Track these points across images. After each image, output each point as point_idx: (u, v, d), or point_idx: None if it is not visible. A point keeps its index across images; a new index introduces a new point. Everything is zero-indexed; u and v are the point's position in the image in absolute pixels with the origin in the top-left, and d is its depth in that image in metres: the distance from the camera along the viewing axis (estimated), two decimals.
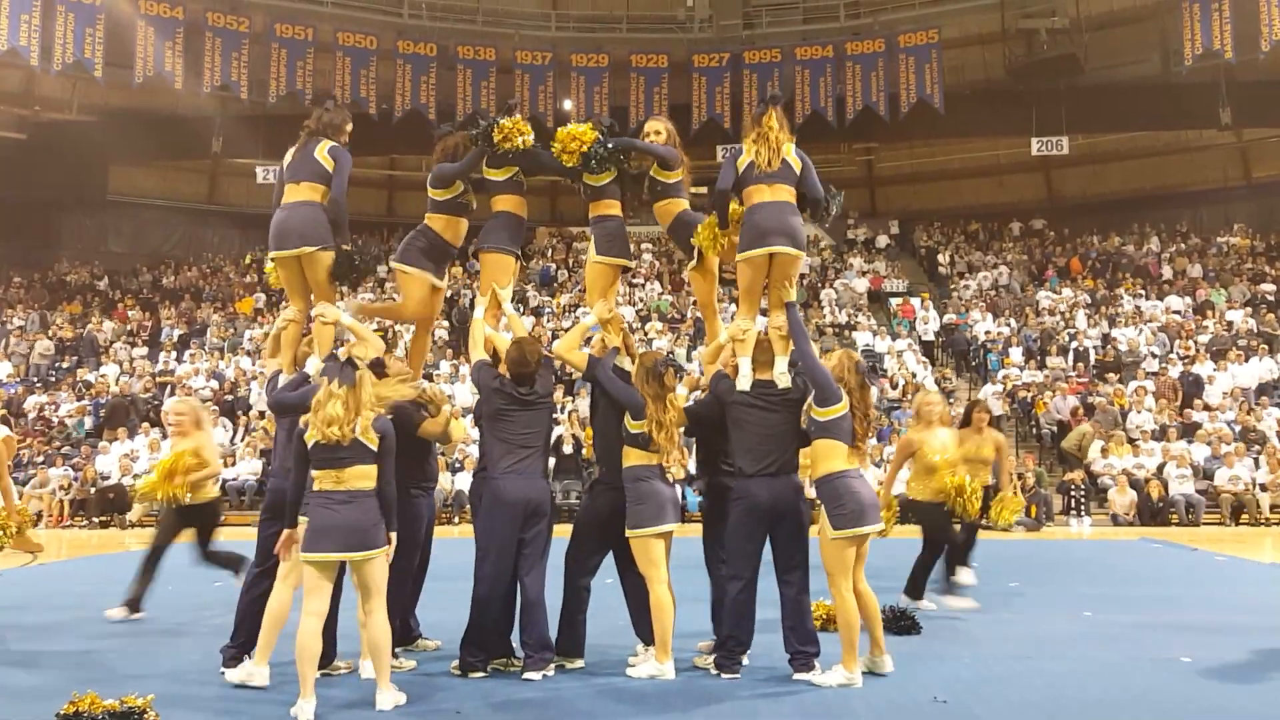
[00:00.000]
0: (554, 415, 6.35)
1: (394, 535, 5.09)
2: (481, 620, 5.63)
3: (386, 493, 5.00)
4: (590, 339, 6.38)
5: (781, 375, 5.60)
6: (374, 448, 4.93)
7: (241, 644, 5.56)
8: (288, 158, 5.86)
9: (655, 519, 5.55)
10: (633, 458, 5.65)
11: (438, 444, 6.25)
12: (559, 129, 6.21)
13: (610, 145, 6.07)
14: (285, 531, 5.09)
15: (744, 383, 5.60)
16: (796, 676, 5.38)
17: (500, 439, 5.72)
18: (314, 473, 4.93)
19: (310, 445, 4.91)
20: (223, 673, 5.45)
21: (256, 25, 24.39)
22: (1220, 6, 22.37)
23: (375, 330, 7.07)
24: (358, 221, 6.16)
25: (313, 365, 5.61)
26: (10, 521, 6.84)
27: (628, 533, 5.61)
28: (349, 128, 5.98)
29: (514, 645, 5.74)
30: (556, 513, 6.04)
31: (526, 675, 5.50)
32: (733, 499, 5.62)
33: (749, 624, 5.54)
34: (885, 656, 5.53)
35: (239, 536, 7.27)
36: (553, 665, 5.66)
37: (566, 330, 8.47)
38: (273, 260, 5.94)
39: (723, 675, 5.47)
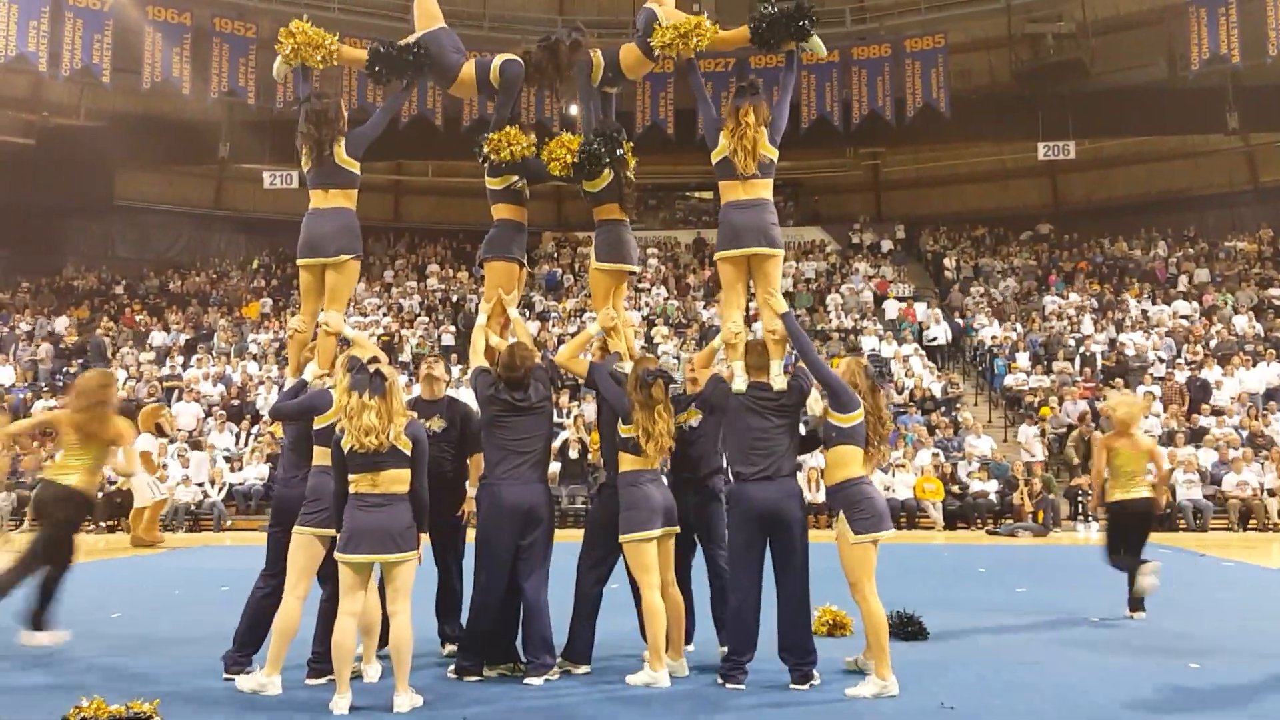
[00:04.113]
0: (552, 421, 6.31)
1: (425, 537, 5.19)
2: (477, 625, 5.64)
3: (420, 496, 5.12)
4: (591, 345, 6.39)
5: (777, 378, 5.54)
6: (407, 453, 5.05)
7: (242, 648, 5.57)
8: (306, 165, 5.89)
9: (644, 524, 5.52)
10: (626, 463, 5.65)
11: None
12: (549, 139, 6.20)
13: (596, 148, 5.99)
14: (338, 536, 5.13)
15: (739, 383, 5.55)
16: (793, 687, 5.34)
17: (497, 445, 5.72)
18: (350, 476, 5.03)
19: (346, 451, 5.00)
20: (228, 679, 5.45)
21: (263, 31, 24.42)
22: (1227, 11, 22.30)
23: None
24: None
25: (310, 371, 5.68)
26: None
27: (620, 537, 5.60)
28: (344, 120, 5.99)
29: (519, 651, 5.74)
30: (555, 518, 5.99)
31: (527, 680, 5.50)
32: (729, 505, 5.64)
33: (751, 634, 5.46)
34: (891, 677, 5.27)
35: (245, 541, 7.29)
36: (557, 670, 5.65)
37: (572, 336, 8.49)
38: (301, 266, 5.92)
39: (727, 685, 5.42)
